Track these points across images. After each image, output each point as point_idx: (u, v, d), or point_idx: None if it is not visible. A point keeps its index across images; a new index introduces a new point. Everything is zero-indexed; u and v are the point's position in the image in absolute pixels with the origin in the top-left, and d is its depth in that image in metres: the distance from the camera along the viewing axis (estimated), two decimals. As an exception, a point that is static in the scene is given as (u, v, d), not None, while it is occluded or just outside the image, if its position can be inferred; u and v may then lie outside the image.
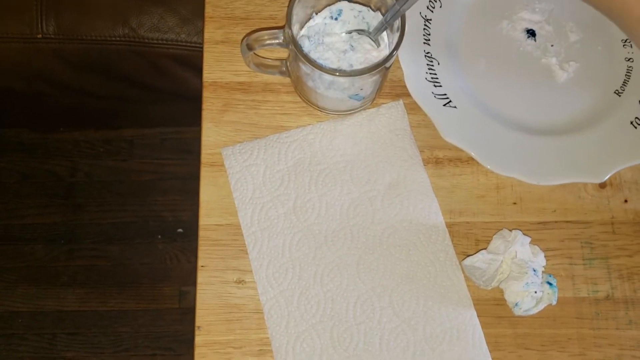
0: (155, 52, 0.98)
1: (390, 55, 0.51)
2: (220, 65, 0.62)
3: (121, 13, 0.95)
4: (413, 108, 0.61)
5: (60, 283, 1.41)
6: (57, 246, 1.43)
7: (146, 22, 0.96)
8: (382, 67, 0.51)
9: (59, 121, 1.47)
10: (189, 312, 1.40)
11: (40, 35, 0.94)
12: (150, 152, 1.49)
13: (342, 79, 0.52)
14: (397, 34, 0.52)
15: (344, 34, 0.56)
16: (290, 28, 0.51)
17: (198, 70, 0.62)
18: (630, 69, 0.62)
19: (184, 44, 0.97)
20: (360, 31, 0.56)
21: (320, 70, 0.50)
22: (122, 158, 1.50)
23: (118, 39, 0.96)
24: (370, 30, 0.56)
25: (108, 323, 1.40)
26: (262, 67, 0.58)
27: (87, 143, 1.50)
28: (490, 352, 0.56)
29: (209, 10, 0.63)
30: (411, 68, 0.59)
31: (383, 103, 0.61)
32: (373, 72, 0.51)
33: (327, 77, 0.52)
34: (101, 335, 1.40)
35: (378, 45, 0.56)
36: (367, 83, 0.53)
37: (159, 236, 1.44)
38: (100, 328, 1.40)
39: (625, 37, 0.63)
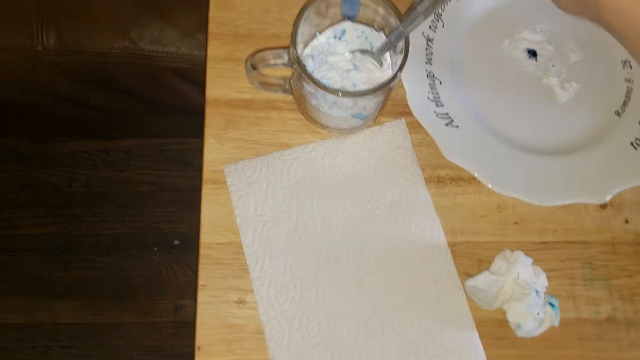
0: (155, 65, 0.98)
1: (394, 76, 0.51)
2: (223, 82, 0.61)
3: (122, 25, 0.95)
4: (415, 127, 0.61)
5: (55, 294, 1.40)
6: (52, 257, 1.43)
7: (147, 34, 0.96)
8: (386, 87, 0.51)
9: (57, 132, 1.47)
10: (185, 326, 1.39)
11: (40, 48, 0.94)
12: (149, 163, 1.49)
13: (345, 99, 0.52)
14: (401, 55, 0.52)
15: (347, 54, 0.56)
16: (295, 48, 0.51)
17: (198, 83, 0.62)
18: (630, 89, 0.62)
19: (184, 57, 0.97)
20: (363, 51, 0.56)
21: (324, 90, 0.50)
22: (120, 169, 1.49)
23: (118, 51, 0.96)
24: (374, 50, 0.56)
25: (103, 336, 1.39)
26: (265, 85, 0.58)
27: (84, 153, 1.50)
28: (492, 373, 0.55)
29: (212, 27, 0.63)
30: (413, 87, 0.59)
31: (385, 121, 0.61)
32: (377, 92, 0.51)
33: (331, 96, 0.52)
34: (96, 348, 1.39)
35: (381, 65, 0.56)
36: (371, 103, 0.53)
37: (156, 248, 1.43)
38: (94, 341, 1.39)
39: (625, 58, 0.63)
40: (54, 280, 1.41)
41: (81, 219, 1.46)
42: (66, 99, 1.06)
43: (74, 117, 1.22)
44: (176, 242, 1.44)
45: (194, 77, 0.99)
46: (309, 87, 0.53)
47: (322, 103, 0.54)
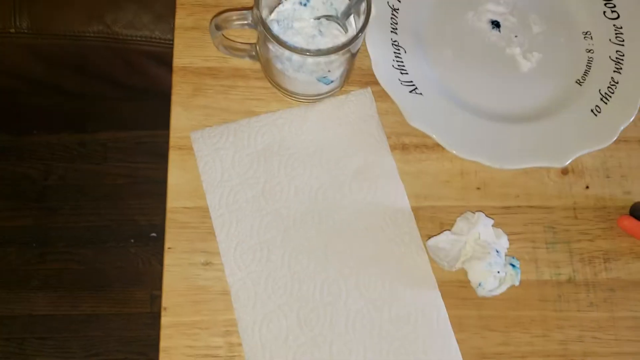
0: (129, 49, 0.98)
1: (357, 36, 0.52)
2: (190, 51, 0.62)
3: (96, 9, 0.96)
4: (381, 96, 0.62)
5: (32, 287, 1.39)
6: (29, 249, 1.42)
7: (121, 18, 0.97)
8: (349, 48, 0.52)
9: (34, 123, 1.46)
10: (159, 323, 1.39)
11: (13, 30, 0.94)
12: (125, 155, 1.49)
13: (310, 60, 0.53)
14: (364, 17, 0.53)
15: (312, 20, 0.57)
16: (258, 9, 0.51)
17: (172, 67, 0.62)
18: (591, 59, 0.64)
19: (158, 40, 0.98)
20: (328, 17, 0.57)
21: (288, 49, 0.51)
22: (96, 162, 1.49)
23: (92, 35, 0.96)
24: (339, 15, 0.57)
25: (79, 327, 1.38)
26: (231, 50, 0.58)
27: (61, 146, 1.49)
28: (454, 333, 0.56)
29: (180, -3, 0.64)
30: (379, 55, 0.60)
31: (352, 90, 0.62)
32: (340, 52, 0.52)
33: (296, 58, 0.53)
34: (72, 339, 1.38)
35: (346, 30, 0.57)
36: (335, 65, 0.54)
37: (132, 240, 1.43)
38: (71, 332, 1.38)
39: (586, 30, 0.65)
40: (31, 272, 1.41)
41: (58, 211, 1.45)
42: (41, 83, 1.06)
43: (50, 107, 1.22)
44: (153, 234, 1.44)
45: (168, 60, 0.99)
46: (274, 50, 0.54)
47: (288, 66, 0.55)
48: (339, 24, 0.57)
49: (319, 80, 0.56)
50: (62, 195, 1.46)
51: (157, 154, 1.48)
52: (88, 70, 1.01)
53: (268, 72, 0.59)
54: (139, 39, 0.97)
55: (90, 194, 1.47)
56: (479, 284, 0.55)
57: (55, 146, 1.49)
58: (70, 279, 1.41)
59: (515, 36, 0.64)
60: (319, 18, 0.57)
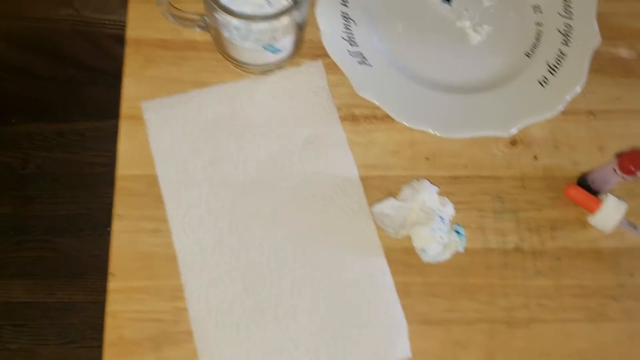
0: (98, 32, 0.99)
1: (298, 2, 0.52)
2: (143, 23, 0.63)
3: (64, -8, 0.96)
4: (332, 68, 0.63)
5: (8, 274, 1.40)
6: (6, 237, 1.42)
7: (89, 2, 0.97)
8: (292, 14, 0.53)
9: (12, 112, 1.46)
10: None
11: (-19, 13, 0.95)
12: (102, 145, 1.49)
13: (254, 27, 0.53)
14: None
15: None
16: (201, -25, 0.52)
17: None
18: (540, 32, 0.64)
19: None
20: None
21: (231, 14, 0.52)
22: (74, 151, 1.49)
23: (61, 18, 0.97)
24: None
25: (55, 315, 1.39)
26: (180, 19, 0.59)
27: (39, 135, 1.50)
28: (400, 298, 0.57)
29: (134, -29, 0.64)
30: (328, 27, 0.61)
31: (303, 63, 0.63)
32: (283, 17, 0.52)
33: (242, 26, 0.54)
34: (48, 327, 1.38)
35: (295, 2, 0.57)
36: (279, 33, 0.55)
37: (109, 229, 1.43)
38: (47, 320, 1.38)
39: (536, 4, 0.66)
40: (7, 260, 1.41)
41: (35, 200, 1.46)
42: (13, 68, 1.06)
43: (25, 94, 1.22)
44: (130, 222, 1.44)
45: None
46: (220, 18, 0.54)
47: (235, 35, 0.56)
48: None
49: (265, 48, 0.57)
50: (40, 184, 1.47)
51: (134, 143, 1.48)
52: (58, 54, 1.02)
53: (218, 42, 0.60)
54: (107, 22, 0.98)
55: (67, 183, 1.47)
56: (423, 250, 0.56)
57: (34, 135, 1.50)
58: (46, 267, 1.41)
59: (466, 10, 0.65)
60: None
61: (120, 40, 1.00)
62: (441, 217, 0.56)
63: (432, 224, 0.56)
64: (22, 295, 1.39)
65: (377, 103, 0.60)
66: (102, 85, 1.12)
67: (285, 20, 0.53)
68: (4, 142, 1.49)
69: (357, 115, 0.62)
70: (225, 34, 0.56)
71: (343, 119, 0.62)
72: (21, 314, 1.38)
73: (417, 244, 0.56)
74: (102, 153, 1.49)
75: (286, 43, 0.58)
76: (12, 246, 1.42)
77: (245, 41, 0.56)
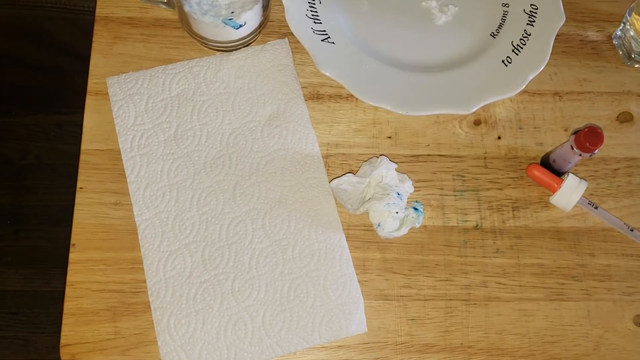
0: (85, 20, 1.00)
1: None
2: (113, 1, 0.64)
3: (53, -20, 0.98)
4: (298, 47, 0.63)
5: (4, 263, 1.41)
6: (2, 226, 1.44)
7: (77, -11, 0.99)
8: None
9: (11, 104, 1.48)
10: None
11: (-29, -1, 0.96)
12: (100, 136, 1.50)
13: (214, 0, 0.54)
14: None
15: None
16: (159, -51, 0.53)
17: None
18: (505, 13, 0.65)
19: (115, 12, 0.99)
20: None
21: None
22: (72, 142, 1.51)
23: (49, 5, 0.98)
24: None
25: (50, 303, 1.40)
26: (145, -5, 0.60)
27: (38, 127, 1.51)
28: (357, 274, 0.57)
29: (105, -49, 0.65)
30: (291, 4, 0.62)
31: (269, 41, 0.64)
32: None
33: (203, 0, 0.54)
34: (42, 315, 1.40)
35: None
36: (237, 6, 0.56)
37: (105, 218, 1.45)
38: (41, 308, 1.40)
39: (503, -14, 0.66)
40: (4, 249, 1.43)
41: (32, 190, 1.47)
42: (3, 55, 1.08)
43: (21, 84, 1.24)
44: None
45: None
46: (179, -8, 0.55)
47: (196, 10, 0.57)
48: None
49: (225, 23, 0.57)
50: (37, 175, 1.48)
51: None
52: (46, 41, 1.04)
53: (182, 19, 0.61)
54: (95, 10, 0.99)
55: (65, 174, 1.49)
56: (378, 225, 0.56)
57: (33, 127, 1.51)
58: (42, 256, 1.43)
59: (432, -8, 0.66)
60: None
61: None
62: (398, 193, 0.57)
63: (388, 199, 0.56)
64: (18, 284, 1.41)
65: (338, 80, 0.60)
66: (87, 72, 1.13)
67: (242, -6, 0.54)
68: (3, 133, 1.51)
69: (322, 93, 0.63)
70: (187, 8, 0.57)
71: (307, 97, 0.63)
72: (16, 302, 1.39)
73: (373, 218, 0.57)
74: (99, 144, 1.50)
75: (247, 18, 0.58)
76: (9, 235, 1.44)
77: (206, 16, 0.57)
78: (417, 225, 0.57)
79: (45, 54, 1.07)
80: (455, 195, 0.61)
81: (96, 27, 0.63)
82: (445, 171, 0.61)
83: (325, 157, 0.61)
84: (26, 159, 1.50)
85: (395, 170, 0.58)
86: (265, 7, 0.60)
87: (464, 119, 0.63)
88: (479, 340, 0.57)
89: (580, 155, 0.56)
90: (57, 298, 1.40)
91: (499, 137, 0.63)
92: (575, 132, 0.56)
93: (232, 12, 0.56)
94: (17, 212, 1.45)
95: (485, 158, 0.62)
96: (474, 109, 0.60)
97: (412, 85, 0.61)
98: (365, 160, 0.60)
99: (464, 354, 0.56)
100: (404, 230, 0.57)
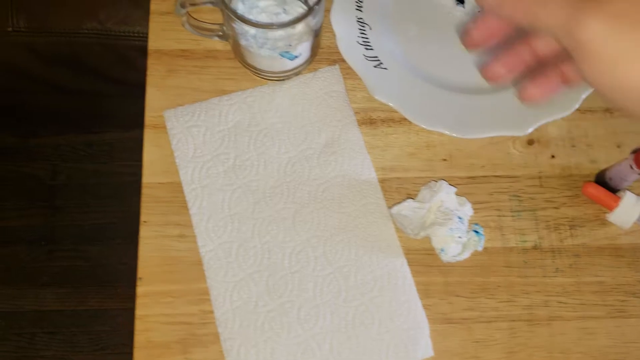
0: (123, 45, 1.01)
1: (312, 8, 0.54)
2: (164, 34, 0.65)
3: (90, 6, 0.99)
4: (349, 73, 0.64)
5: (40, 283, 1.43)
6: (37, 247, 1.46)
7: (113, 15, 1.00)
8: (307, 21, 0.54)
9: (40, 124, 1.50)
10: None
11: (10, 29, 0.98)
12: (130, 155, 1.52)
13: (270, 34, 0.55)
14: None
15: (276, -2, 0.59)
16: (218, -14, 0.54)
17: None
18: (554, 32, 0.65)
19: (150, 36, 1.00)
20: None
21: (246, 23, 0.53)
22: (102, 161, 1.53)
23: (86, 32, 0.99)
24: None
25: (87, 322, 1.42)
26: (199, 29, 0.61)
27: (68, 147, 1.53)
28: (421, 299, 0.58)
29: (155, -16, 0.66)
30: (343, 32, 0.62)
31: (320, 68, 0.64)
32: (297, 24, 0.54)
33: (259, 34, 0.55)
34: (80, 334, 1.41)
35: (308, 6, 0.59)
36: (295, 39, 0.56)
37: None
38: (79, 327, 1.41)
39: None
40: (39, 269, 1.44)
41: (64, 210, 1.49)
42: (40, 81, 1.09)
43: (53, 106, 1.25)
44: (158, 230, 1.46)
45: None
46: (237, 27, 0.56)
47: (252, 43, 0.57)
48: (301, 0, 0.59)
49: (282, 55, 0.58)
50: (69, 195, 1.50)
51: (161, 153, 1.51)
52: (83, 67, 1.05)
53: (236, 51, 0.61)
54: (131, 35, 1.00)
55: (96, 193, 1.50)
56: (442, 250, 0.57)
57: (63, 147, 1.53)
58: (77, 275, 1.44)
59: (479, 12, 0.66)
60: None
61: (144, 51, 1.03)
62: (459, 217, 0.57)
63: (450, 224, 0.56)
64: (54, 304, 1.42)
65: (392, 105, 0.61)
66: (128, 96, 1.14)
67: (300, 27, 0.55)
68: (33, 154, 1.53)
69: (375, 118, 0.64)
70: (243, 42, 0.58)
71: (361, 122, 0.63)
72: (54, 322, 1.41)
73: (436, 244, 0.57)
74: (130, 162, 1.52)
75: (303, 49, 0.59)
76: (43, 256, 1.46)
77: (262, 49, 0.58)
78: (480, 249, 0.58)
79: (82, 79, 1.08)
80: (512, 216, 0.61)
81: (149, 61, 0.64)
82: (501, 192, 0.62)
83: (382, 181, 0.61)
84: (57, 179, 1.52)
85: (454, 193, 0.59)
86: (318, 36, 0.61)
87: (517, 138, 0.63)
88: (544, 360, 0.57)
89: (639, 174, 0.56)
90: (94, 316, 1.41)
91: (553, 156, 0.63)
92: (635, 151, 0.56)
93: (290, 45, 0.57)
94: (50, 233, 1.47)
95: (540, 177, 0.63)
96: (530, 130, 0.60)
97: (466, 108, 0.61)
98: (424, 185, 0.60)
99: (530, 374, 0.57)
100: (466, 254, 0.58)
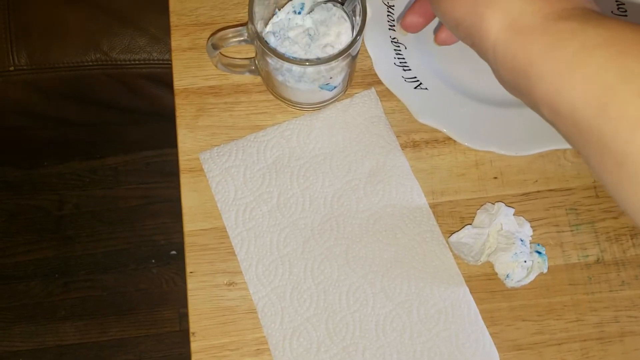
0: (128, 73, 0.98)
1: (355, 40, 0.51)
2: (189, 72, 0.62)
3: (91, 37, 0.96)
4: (385, 95, 0.61)
5: (58, 317, 1.40)
6: (51, 281, 1.43)
7: (117, 44, 0.96)
8: (348, 52, 0.51)
9: (42, 155, 1.47)
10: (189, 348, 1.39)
11: (12, 68, 0.94)
12: (136, 177, 1.49)
13: (310, 69, 0.52)
14: (360, 19, 0.52)
15: (307, 19, 0.56)
16: (252, 24, 0.51)
17: (172, 87, 0.62)
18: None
19: (156, 62, 0.98)
20: (333, 2, 0.55)
21: (287, 61, 0.50)
22: (108, 186, 1.49)
23: (91, 63, 0.96)
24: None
25: (110, 353, 1.39)
26: (230, 67, 0.58)
27: (72, 175, 1.50)
28: (487, 327, 0.56)
29: (174, 19, 0.63)
30: (379, 55, 0.60)
31: (356, 93, 0.62)
32: (340, 58, 0.51)
33: (297, 69, 0.52)
34: (104, 366, 1.39)
35: (351, 20, 0.56)
36: (336, 71, 0.54)
37: (153, 260, 1.44)
38: (102, 359, 1.39)
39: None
40: (56, 303, 1.41)
41: (75, 240, 1.46)
42: (45, 117, 1.06)
43: (57, 138, 1.22)
44: (173, 252, 1.44)
45: (168, 80, 0.99)
46: (273, 63, 0.53)
47: (289, 77, 0.54)
48: (344, 11, 0.55)
49: (321, 88, 0.55)
50: (78, 224, 1.47)
51: (167, 173, 1.48)
52: (90, 99, 1.01)
53: (269, 84, 0.59)
54: (137, 62, 0.97)
55: (105, 219, 1.47)
56: (507, 276, 0.55)
57: (67, 175, 1.50)
58: (95, 305, 1.42)
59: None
60: (325, 2, 0.55)
61: (149, 78, 0.99)
62: (521, 240, 0.55)
63: (514, 249, 0.54)
64: (74, 337, 1.40)
65: (439, 128, 0.58)
66: (135, 123, 1.12)
67: (341, 58, 0.52)
68: (38, 185, 1.49)
69: (418, 140, 0.61)
70: (279, 77, 0.55)
71: (404, 146, 0.61)
72: (75, 356, 1.38)
73: (500, 270, 0.55)
74: (136, 186, 1.49)
75: (342, 79, 0.56)
76: (59, 289, 1.43)
77: (300, 83, 0.55)
78: (545, 270, 0.56)
79: (88, 111, 1.05)
80: (572, 231, 0.59)
81: (177, 101, 0.61)
82: (557, 206, 0.60)
83: (432, 206, 0.59)
84: (64, 208, 1.48)
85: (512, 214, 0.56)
86: (354, 62, 0.58)
87: (567, 149, 0.61)
88: (620, 379, 0.55)
89: None
90: (116, 346, 1.39)
91: (605, 163, 0.61)
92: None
93: (331, 78, 0.54)
94: (63, 264, 1.44)
95: (595, 187, 0.60)
96: (583, 141, 0.58)
97: (514, 123, 0.59)
98: (477, 207, 0.58)
99: (608, 395, 0.55)
100: (532, 277, 0.55)
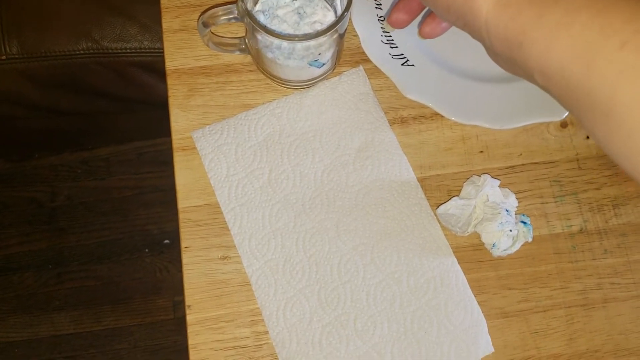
0: (120, 62, 0.99)
1: (342, 16, 0.52)
2: (181, 53, 0.63)
3: (83, 26, 0.97)
4: (373, 72, 0.63)
5: (53, 308, 1.41)
6: (45, 271, 1.44)
7: (108, 33, 0.97)
8: (336, 28, 0.52)
9: (34, 147, 1.47)
10: (185, 321, 1.40)
11: (4, 57, 0.95)
12: (128, 167, 1.50)
13: (299, 45, 0.53)
14: (347, -3, 0.53)
15: (291, 4, 0.57)
16: (243, 1, 0.52)
17: (164, 75, 0.63)
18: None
19: (147, 50, 0.98)
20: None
21: (277, 37, 0.52)
22: (100, 177, 1.50)
23: (82, 52, 0.97)
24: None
25: (105, 342, 1.40)
26: (221, 46, 0.59)
27: (64, 166, 1.50)
28: (474, 295, 0.57)
29: (164, 1, 0.64)
30: (366, 32, 0.61)
31: (344, 71, 0.63)
32: (328, 33, 0.52)
33: (286, 45, 0.54)
34: (99, 355, 1.40)
35: (334, 9, 0.57)
36: (324, 47, 0.55)
37: (146, 250, 1.45)
38: (97, 348, 1.40)
39: None
40: (50, 294, 1.42)
41: (69, 230, 1.47)
42: (36, 106, 1.07)
43: (49, 128, 1.23)
44: (166, 240, 1.45)
45: (160, 69, 1.00)
46: (263, 40, 0.54)
47: (278, 55, 0.56)
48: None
49: (310, 64, 0.56)
50: (70, 215, 1.48)
51: (159, 162, 1.49)
52: (82, 88, 1.02)
53: (260, 63, 0.60)
54: (128, 51, 0.98)
55: (98, 210, 1.48)
56: (493, 245, 0.56)
57: (59, 167, 1.51)
58: (89, 295, 1.43)
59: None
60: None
61: (141, 66, 1.00)
62: (507, 210, 0.56)
63: (499, 219, 0.56)
64: (69, 327, 1.41)
65: (426, 103, 0.60)
66: (124, 110, 1.12)
67: (329, 35, 0.53)
68: (30, 177, 1.50)
69: (406, 116, 0.62)
70: (269, 55, 0.56)
71: (392, 122, 0.62)
72: (70, 345, 1.39)
73: (487, 240, 0.56)
74: (129, 176, 1.50)
75: (330, 55, 0.58)
76: (52, 279, 1.43)
77: (289, 59, 0.56)
78: (530, 239, 0.57)
79: (81, 100, 1.06)
80: (555, 202, 0.61)
81: (169, 82, 0.62)
82: (541, 179, 0.61)
83: (420, 180, 0.60)
84: (57, 200, 1.49)
85: (498, 186, 0.58)
86: (342, 39, 0.59)
87: (551, 123, 0.62)
88: (604, 343, 0.57)
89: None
90: (111, 336, 1.40)
91: (588, 137, 0.63)
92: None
93: (319, 54, 0.55)
94: (57, 255, 1.45)
95: (578, 160, 0.62)
96: (566, 115, 0.60)
97: (499, 98, 0.60)
98: (464, 180, 0.59)
99: (592, 358, 0.57)
100: (517, 246, 0.57)
